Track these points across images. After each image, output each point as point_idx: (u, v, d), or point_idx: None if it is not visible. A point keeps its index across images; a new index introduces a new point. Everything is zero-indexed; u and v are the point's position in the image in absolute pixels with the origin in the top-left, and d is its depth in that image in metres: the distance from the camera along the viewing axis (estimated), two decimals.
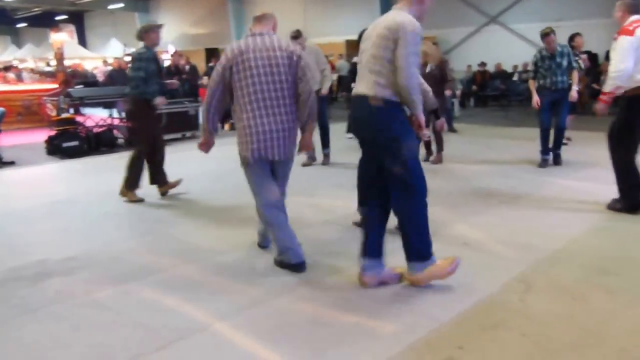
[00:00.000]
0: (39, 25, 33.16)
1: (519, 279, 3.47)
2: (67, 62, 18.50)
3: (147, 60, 5.50)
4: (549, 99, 6.74)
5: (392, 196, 3.30)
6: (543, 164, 6.90)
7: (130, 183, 5.70)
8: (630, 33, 4.52)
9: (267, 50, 3.55)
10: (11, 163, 8.33)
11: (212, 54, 21.90)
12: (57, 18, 30.09)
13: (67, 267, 3.99)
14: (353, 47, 16.32)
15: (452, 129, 10.33)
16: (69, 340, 2.90)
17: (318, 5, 22.31)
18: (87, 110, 10.50)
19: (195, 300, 3.32)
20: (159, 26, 5.68)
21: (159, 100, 5.63)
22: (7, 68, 20.20)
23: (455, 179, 6.44)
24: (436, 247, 3.38)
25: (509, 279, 3.47)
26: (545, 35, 6.62)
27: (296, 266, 3.69)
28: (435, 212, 4.99)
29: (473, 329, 2.87)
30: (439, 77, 7.19)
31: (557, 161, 6.96)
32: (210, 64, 17.37)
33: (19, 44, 36.13)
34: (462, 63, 16.43)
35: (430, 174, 6.66)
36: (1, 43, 37.75)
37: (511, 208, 5.13)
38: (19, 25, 35.55)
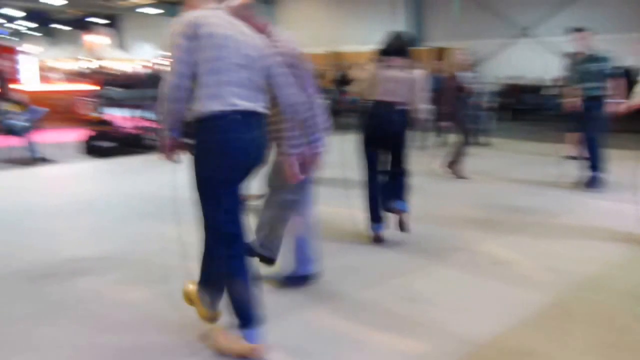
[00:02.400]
0: (77, 27, 33.93)
1: (554, 303, 3.39)
2: (103, 64, 18.85)
3: None
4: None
5: None
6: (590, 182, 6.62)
7: None
8: None
9: None
10: (49, 160, 8.51)
11: None
12: (95, 21, 30.70)
13: (99, 266, 4.04)
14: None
15: (483, 143, 10.20)
16: (101, 339, 2.92)
17: (348, 13, 22.39)
18: (121, 112, 10.65)
19: (225, 306, 3.31)
20: None
21: None
22: (49, 69, 20.69)
23: (485, 195, 6.35)
24: (467, 265, 3.33)
25: (544, 304, 3.38)
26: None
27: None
28: (464, 229, 5.00)
29: (508, 353, 2.81)
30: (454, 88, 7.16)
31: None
32: None
33: (56, 45, 37.07)
34: (493, 75, 16.21)
35: (459, 188, 6.71)
36: (42, 44, 38.72)
37: (543, 228, 5.03)
38: (57, 27, 36.41)
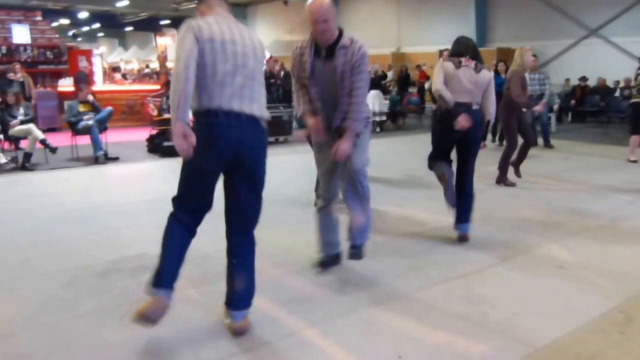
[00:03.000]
0: (144, 29, 35.17)
1: (620, 309, 3.31)
2: (169, 65, 19.46)
3: None
4: None
5: None
6: None
7: None
8: None
9: None
10: (115, 159, 8.88)
11: None
12: (161, 23, 31.70)
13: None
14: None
15: (548, 145, 9.96)
16: (163, 333, 3.04)
17: (413, 13, 22.18)
18: None
19: (286, 305, 3.41)
20: None
21: None
22: (115, 69, 21.57)
23: (551, 198, 6.22)
24: (529, 268, 3.29)
25: (608, 309, 3.31)
26: None
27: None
28: (526, 231, 4.92)
29: (568, 357, 2.78)
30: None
31: None
32: None
33: (125, 46, 38.55)
34: (560, 77, 15.80)
35: (521, 190, 6.57)
36: (109, 45, 40.44)
37: (610, 232, 4.90)
38: (126, 29, 37.84)
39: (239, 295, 3.02)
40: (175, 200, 3.01)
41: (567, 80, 15.77)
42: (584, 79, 15.33)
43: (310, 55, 3.56)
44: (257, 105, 2.94)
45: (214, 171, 2.95)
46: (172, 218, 2.99)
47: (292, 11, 26.97)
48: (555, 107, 12.71)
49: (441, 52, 19.52)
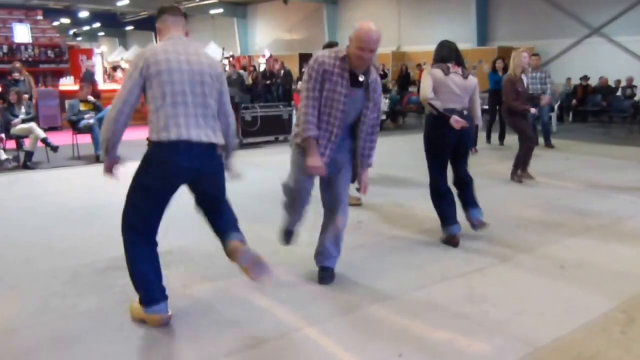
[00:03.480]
0: (144, 29, 35.19)
1: (621, 309, 3.31)
2: None
3: None
4: None
5: None
6: None
7: None
8: None
9: None
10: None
11: (305, 59, 22.26)
12: None
13: (163, 260, 4.16)
14: None
15: (549, 145, 9.95)
16: (165, 330, 3.07)
17: (413, 12, 22.17)
18: None
19: (286, 303, 3.42)
20: None
21: None
22: (115, 68, 21.58)
23: (551, 197, 6.22)
24: (530, 267, 3.28)
25: (609, 309, 3.32)
26: None
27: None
28: (528, 230, 4.94)
29: (569, 357, 2.78)
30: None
31: None
32: (304, 69, 17.61)
33: (126, 45, 38.58)
34: (562, 76, 15.74)
35: (522, 190, 6.58)
36: (110, 45, 40.51)
37: (611, 232, 4.90)
38: (126, 28, 37.88)
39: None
40: (123, 225, 3.21)
41: (569, 79, 15.73)
42: (585, 78, 15.30)
43: (346, 78, 3.36)
44: (212, 132, 3.01)
45: (166, 193, 3.08)
46: (130, 246, 3.16)
47: (291, 10, 27.01)
48: (556, 106, 12.69)
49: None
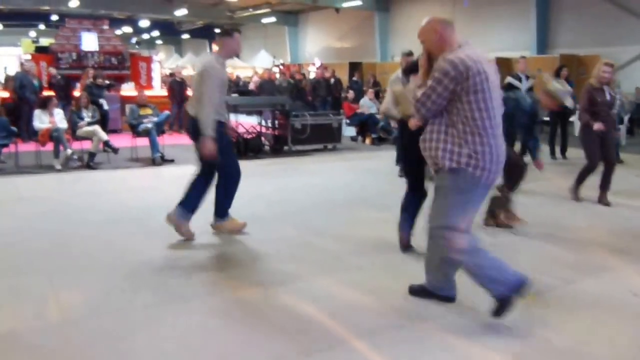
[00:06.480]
0: (199, 37, 36.17)
1: None
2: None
3: None
4: None
5: None
6: None
7: None
8: None
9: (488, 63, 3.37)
10: (171, 161, 9.16)
11: (355, 67, 22.23)
12: (217, 31, 32.49)
13: (215, 262, 4.34)
14: (505, 65, 15.27)
15: (617, 160, 9.39)
16: (214, 332, 3.12)
17: (468, 19, 21.51)
18: (238, 117, 11.24)
19: (335, 313, 3.35)
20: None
21: None
22: (171, 75, 22.19)
23: (622, 217, 5.76)
24: (597, 294, 3.21)
25: None
26: None
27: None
28: (596, 253, 4.54)
29: None
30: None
31: None
32: (354, 78, 17.64)
33: (181, 53, 39.68)
34: (631, 85, 14.63)
35: (589, 209, 6.08)
36: (167, 52, 41.75)
37: None
38: (182, 37, 38.95)
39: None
40: (232, 175, 4.95)
41: (638, 88, 14.47)
42: None
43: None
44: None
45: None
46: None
47: (343, 18, 27.04)
48: (626, 118, 11.93)
49: (498, 60, 18.92)
